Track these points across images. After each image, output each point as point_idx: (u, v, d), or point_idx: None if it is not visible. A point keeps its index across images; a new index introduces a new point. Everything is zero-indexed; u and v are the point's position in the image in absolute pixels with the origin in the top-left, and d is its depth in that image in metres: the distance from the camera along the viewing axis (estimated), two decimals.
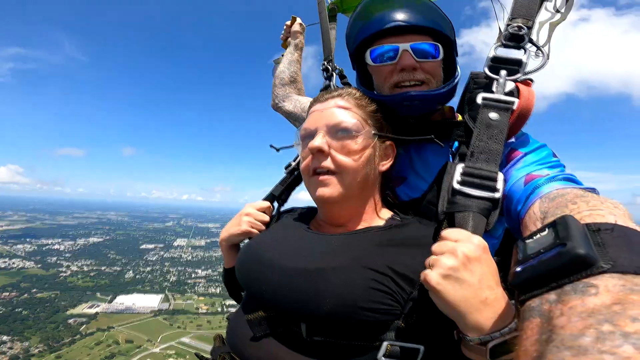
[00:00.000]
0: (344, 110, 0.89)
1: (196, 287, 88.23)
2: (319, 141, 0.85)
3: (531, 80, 0.89)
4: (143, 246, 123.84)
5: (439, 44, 0.98)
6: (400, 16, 0.97)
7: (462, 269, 0.60)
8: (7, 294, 73.22)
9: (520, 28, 0.91)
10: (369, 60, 1.02)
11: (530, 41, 0.92)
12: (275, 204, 1.15)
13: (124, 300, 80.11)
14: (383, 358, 0.68)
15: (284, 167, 1.22)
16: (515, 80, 0.86)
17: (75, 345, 58.87)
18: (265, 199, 1.14)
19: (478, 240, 0.63)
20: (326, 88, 1.34)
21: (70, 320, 67.15)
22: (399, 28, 0.97)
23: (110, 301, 79.18)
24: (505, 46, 0.92)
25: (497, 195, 0.71)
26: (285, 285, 0.76)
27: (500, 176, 0.74)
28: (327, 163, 0.85)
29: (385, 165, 0.92)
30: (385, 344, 0.68)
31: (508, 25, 0.93)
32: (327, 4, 1.48)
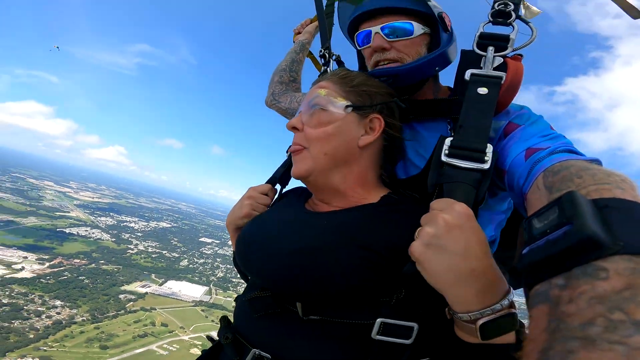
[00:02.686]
0: (319, 89, 0.91)
1: (239, 287, 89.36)
2: (292, 120, 0.90)
3: (521, 55, 0.90)
4: (202, 239, 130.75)
5: (412, 22, 1.00)
6: (375, 1, 1.02)
7: (443, 236, 0.59)
8: (78, 260, 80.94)
9: (506, 5, 0.92)
10: (356, 45, 1.10)
11: (518, 17, 0.93)
12: (278, 186, 1.16)
13: (172, 286, 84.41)
14: (377, 336, 0.68)
15: (285, 151, 1.23)
16: (504, 56, 0.87)
17: (116, 320, 62.89)
18: (268, 181, 1.15)
19: (460, 207, 0.62)
20: (323, 74, 1.33)
21: (121, 296, 71.90)
22: (373, 11, 1.02)
23: (161, 284, 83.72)
24: (493, 23, 0.93)
25: (486, 166, 0.71)
26: (277, 266, 0.77)
27: (490, 148, 0.73)
28: (300, 139, 0.88)
29: (367, 139, 0.88)
30: (378, 321, 0.68)
31: (495, 2, 0.94)
32: None
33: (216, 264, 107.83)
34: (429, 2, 1.01)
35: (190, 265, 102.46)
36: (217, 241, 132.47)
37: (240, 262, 0.89)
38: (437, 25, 1.02)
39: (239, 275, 1.06)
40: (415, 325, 0.68)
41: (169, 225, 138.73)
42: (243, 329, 0.84)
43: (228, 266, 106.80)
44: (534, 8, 1.04)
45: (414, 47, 1.02)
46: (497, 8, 0.94)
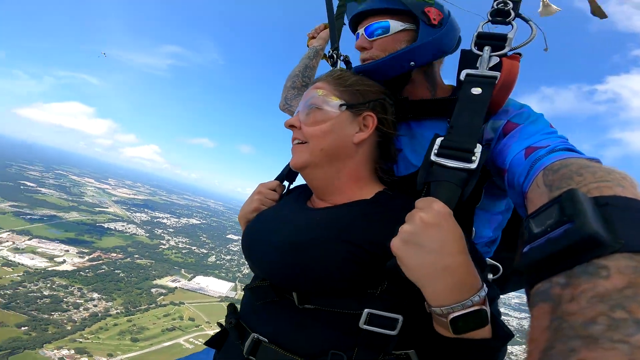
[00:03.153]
0: (315, 89, 0.95)
1: None
2: (290, 119, 0.96)
3: (519, 54, 0.90)
4: (229, 236, 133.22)
5: (391, 20, 1.04)
6: (361, 5, 1.09)
7: (420, 233, 0.62)
8: (115, 254, 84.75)
9: (505, 3, 0.92)
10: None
11: (519, 15, 0.93)
12: (286, 183, 1.21)
13: (200, 281, 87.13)
14: (364, 326, 0.71)
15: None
16: (501, 56, 0.87)
17: (148, 313, 65.24)
18: (276, 178, 1.21)
19: (438, 206, 0.64)
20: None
21: (153, 290, 74.55)
22: (360, 14, 1.10)
23: (190, 279, 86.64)
24: (492, 22, 0.93)
25: (473, 165, 0.73)
26: (273, 258, 0.82)
27: (479, 148, 0.75)
28: (298, 135, 0.94)
29: (361, 136, 0.92)
30: (365, 312, 0.71)
31: (495, 1, 0.95)
32: None
33: (242, 260, 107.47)
34: None
35: (218, 262, 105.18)
36: None
37: (245, 254, 0.95)
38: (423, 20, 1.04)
39: None
40: (400, 317, 0.70)
41: (199, 222, 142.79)
42: (246, 315, 0.89)
43: None
44: (553, 6, 1.01)
45: (391, 44, 1.04)
46: (496, 7, 0.94)
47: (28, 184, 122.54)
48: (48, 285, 61.89)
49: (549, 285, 0.36)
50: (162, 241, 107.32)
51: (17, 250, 70.49)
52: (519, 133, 0.83)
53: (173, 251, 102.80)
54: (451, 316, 0.61)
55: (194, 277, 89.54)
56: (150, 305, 68.43)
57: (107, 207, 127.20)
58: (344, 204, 0.89)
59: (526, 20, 0.93)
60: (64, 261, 72.61)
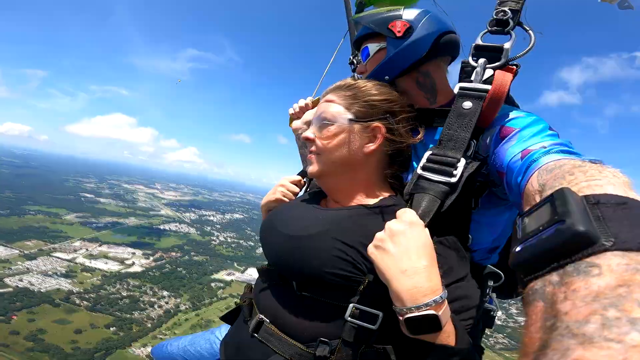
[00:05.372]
0: (327, 103, 1.00)
1: None
2: (307, 132, 1.02)
3: (517, 65, 0.90)
4: None
5: (368, 44, 1.17)
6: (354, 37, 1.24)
7: (387, 240, 0.72)
8: (174, 253, 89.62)
9: (504, 13, 0.93)
10: None
11: (519, 24, 0.93)
12: (307, 179, 1.32)
13: (252, 272, 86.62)
14: (349, 318, 0.79)
15: None
16: (497, 67, 0.88)
17: (212, 307, 68.36)
18: (299, 173, 1.33)
19: (408, 217, 0.73)
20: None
21: (213, 284, 78.39)
22: (355, 44, 1.26)
23: (243, 272, 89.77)
24: (491, 33, 0.95)
25: (453, 180, 0.78)
26: (279, 247, 0.93)
27: (462, 162, 0.80)
28: (313, 146, 1.00)
29: (370, 147, 0.96)
30: (351, 305, 0.79)
31: (495, 10, 0.95)
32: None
33: None
34: (378, 17, 1.12)
35: None
36: None
37: (260, 241, 1.07)
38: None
39: None
40: (380, 313, 0.77)
41: (242, 216, 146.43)
42: (256, 296, 1.01)
43: None
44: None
45: (374, 64, 1.15)
46: (495, 17, 0.94)
47: (87, 195, 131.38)
48: (124, 286, 66.81)
49: (543, 284, 0.37)
50: (212, 237, 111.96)
51: (91, 256, 76.45)
52: (516, 136, 0.83)
53: (224, 246, 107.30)
54: (406, 316, 0.67)
55: (246, 269, 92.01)
56: (213, 299, 72.10)
57: (159, 210, 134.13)
58: (346, 207, 0.97)
59: (526, 30, 0.93)
60: (133, 263, 78.13)
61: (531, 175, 0.67)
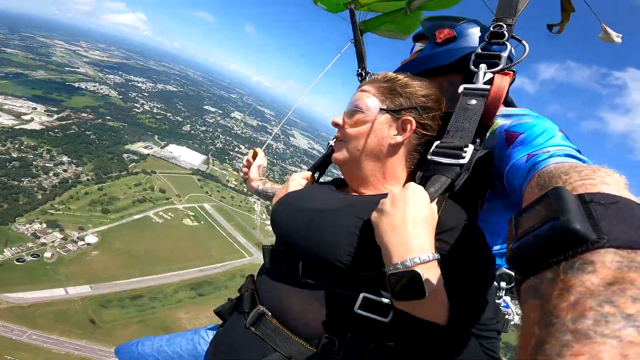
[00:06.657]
0: (362, 92, 1.03)
1: (234, 161, 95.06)
2: (337, 117, 1.06)
3: (513, 70, 0.98)
4: (206, 107, 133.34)
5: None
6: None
7: (387, 204, 0.74)
8: (86, 115, 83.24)
9: (501, 27, 1.03)
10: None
11: (513, 37, 1.04)
12: (317, 174, 1.40)
13: (173, 150, 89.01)
14: (359, 310, 0.74)
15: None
16: (495, 72, 0.96)
17: (119, 181, 66.09)
18: (309, 169, 1.39)
19: (411, 186, 0.75)
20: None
21: (125, 155, 75.39)
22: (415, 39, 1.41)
23: (163, 147, 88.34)
24: (488, 44, 1.04)
25: (463, 161, 0.81)
26: (294, 221, 0.93)
27: (470, 147, 0.83)
28: (341, 133, 1.04)
29: (396, 138, 0.97)
30: (361, 295, 0.75)
31: (492, 25, 1.06)
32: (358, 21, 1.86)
33: (217, 133, 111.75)
34: (434, 22, 1.26)
35: (192, 131, 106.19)
36: (220, 111, 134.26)
37: (271, 220, 1.04)
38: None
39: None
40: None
41: (175, 89, 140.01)
42: (258, 282, 1.00)
43: (227, 138, 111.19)
44: (613, 35, 1.13)
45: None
46: (492, 30, 1.04)
47: None
48: (16, 146, 61.76)
49: (538, 281, 0.37)
50: (136, 104, 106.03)
51: None
52: (521, 140, 0.87)
53: (147, 115, 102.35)
54: (389, 273, 0.67)
55: (167, 145, 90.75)
56: (122, 173, 69.37)
57: (77, 68, 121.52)
58: (370, 194, 0.98)
59: (519, 40, 1.04)
60: (32, 119, 71.87)
61: (532, 178, 0.69)
